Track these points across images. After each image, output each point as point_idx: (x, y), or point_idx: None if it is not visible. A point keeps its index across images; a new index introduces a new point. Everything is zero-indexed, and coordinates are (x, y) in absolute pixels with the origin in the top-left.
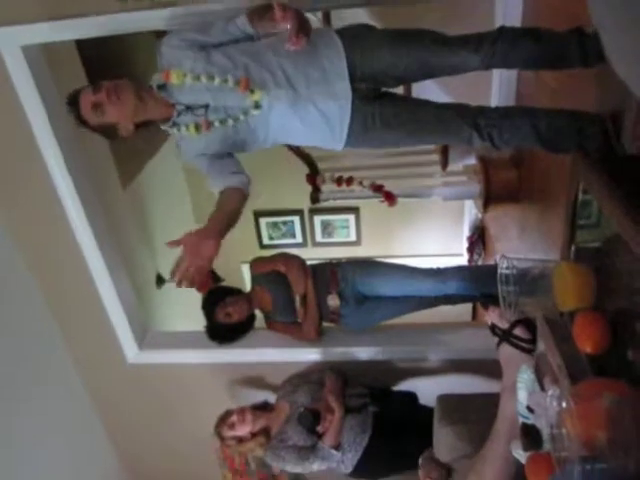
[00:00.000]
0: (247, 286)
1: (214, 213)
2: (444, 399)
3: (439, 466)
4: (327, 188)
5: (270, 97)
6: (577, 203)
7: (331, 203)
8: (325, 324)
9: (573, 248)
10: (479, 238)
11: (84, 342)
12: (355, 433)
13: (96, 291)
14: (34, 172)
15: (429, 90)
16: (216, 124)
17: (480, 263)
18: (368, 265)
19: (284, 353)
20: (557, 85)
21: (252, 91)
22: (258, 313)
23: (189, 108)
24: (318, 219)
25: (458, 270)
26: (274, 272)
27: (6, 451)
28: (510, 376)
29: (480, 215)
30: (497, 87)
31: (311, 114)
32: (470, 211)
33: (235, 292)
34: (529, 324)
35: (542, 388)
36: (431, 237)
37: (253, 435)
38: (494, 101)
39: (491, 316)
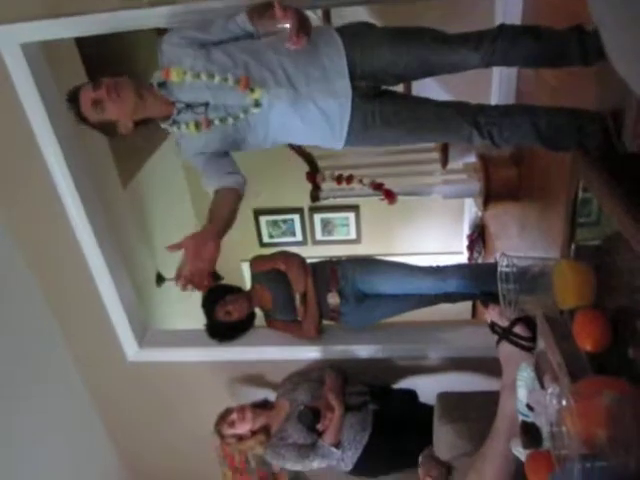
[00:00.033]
0: (247, 284)
1: (211, 214)
2: (444, 397)
3: (439, 464)
4: (327, 186)
5: (270, 95)
6: (577, 201)
7: (331, 201)
8: (325, 322)
9: (573, 246)
10: (479, 236)
11: (84, 340)
12: (355, 431)
13: (96, 289)
14: (34, 170)
15: (429, 88)
16: (216, 122)
17: (480, 261)
18: (368, 263)
19: (284, 351)
20: (557, 83)
21: (252, 89)
22: (258, 311)
23: (189, 106)
24: (318, 217)
25: (458, 268)
26: (274, 270)
27: (6, 449)
28: (510, 374)
29: (480, 213)
30: (497, 85)
31: (311, 112)
32: (470, 209)
33: (235, 290)
34: (529, 322)
35: (542, 386)
36: (431, 235)
37: (253, 433)
38: (494, 99)
39: (491, 314)
